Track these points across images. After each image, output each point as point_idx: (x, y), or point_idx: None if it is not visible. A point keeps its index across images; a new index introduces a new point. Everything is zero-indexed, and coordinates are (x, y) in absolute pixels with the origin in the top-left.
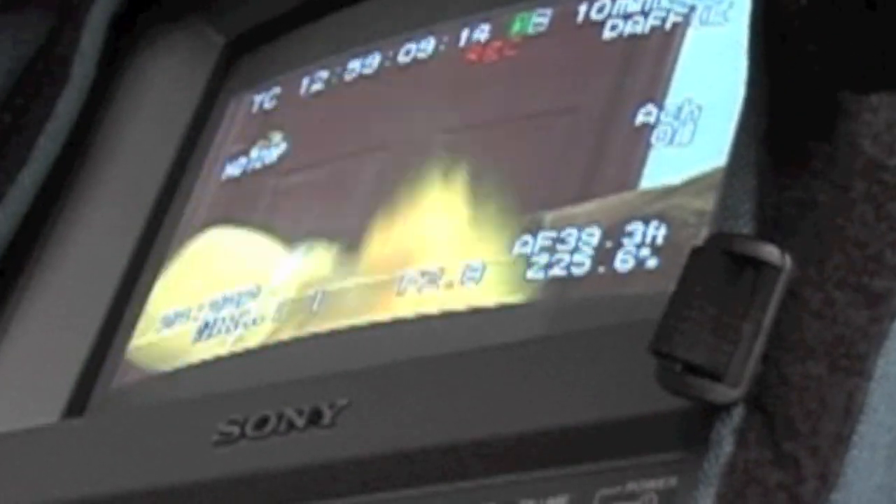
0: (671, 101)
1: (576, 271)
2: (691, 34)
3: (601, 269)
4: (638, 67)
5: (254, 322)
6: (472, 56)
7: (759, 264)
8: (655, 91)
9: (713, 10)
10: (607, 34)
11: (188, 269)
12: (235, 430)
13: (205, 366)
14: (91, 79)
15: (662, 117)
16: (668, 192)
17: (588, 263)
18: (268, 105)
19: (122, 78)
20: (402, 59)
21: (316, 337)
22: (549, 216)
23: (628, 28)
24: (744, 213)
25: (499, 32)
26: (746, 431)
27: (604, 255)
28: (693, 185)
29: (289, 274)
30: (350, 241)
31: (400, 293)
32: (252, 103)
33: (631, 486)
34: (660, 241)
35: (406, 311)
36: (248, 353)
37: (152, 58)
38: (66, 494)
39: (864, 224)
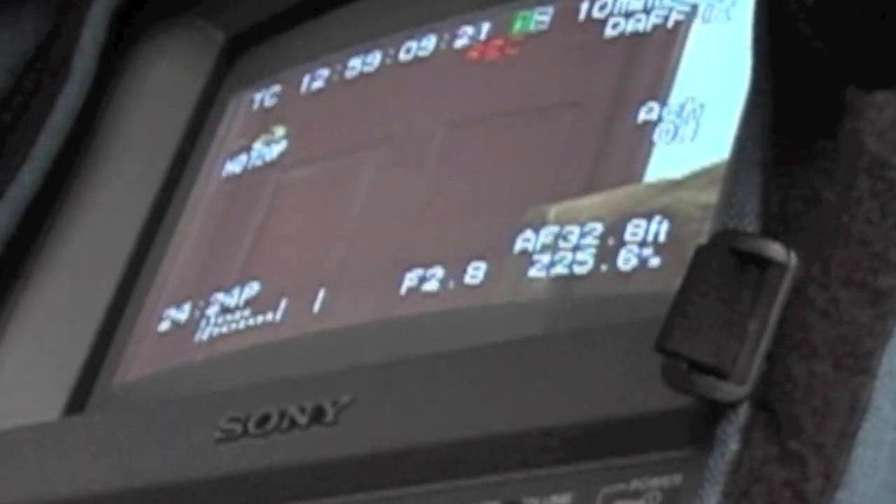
0: (674, 99)
1: (578, 270)
2: (694, 32)
3: (604, 268)
4: (640, 65)
5: (256, 319)
6: (474, 54)
7: (764, 262)
8: (658, 89)
9: (716, 8)
10: (609, 32)
11: (190, 265)
12: (237, 427)
13: (206, 363)
14: (91, 75)
15: (665, 115)
16: (672, 186)
17: (590, 262)
18: (268, 102)
19: (123, 75)
20: (403, 57)
21: (318, 334)
22: (550, 214)
23: (630, 26)
24: (749, 210)
25: (500, 31)
26: (752, 429)
27: (606, 254)
28: (697, 180)
29: (291, 271)
30: (351, 237)
31: (402, 290)
32: (253, 101)
33: (635, 483)
34: (662, 238)
35: (408, 308)
36: (251, 350)
37: (153, 55)
38: (67, 492)
39: (870, 222)
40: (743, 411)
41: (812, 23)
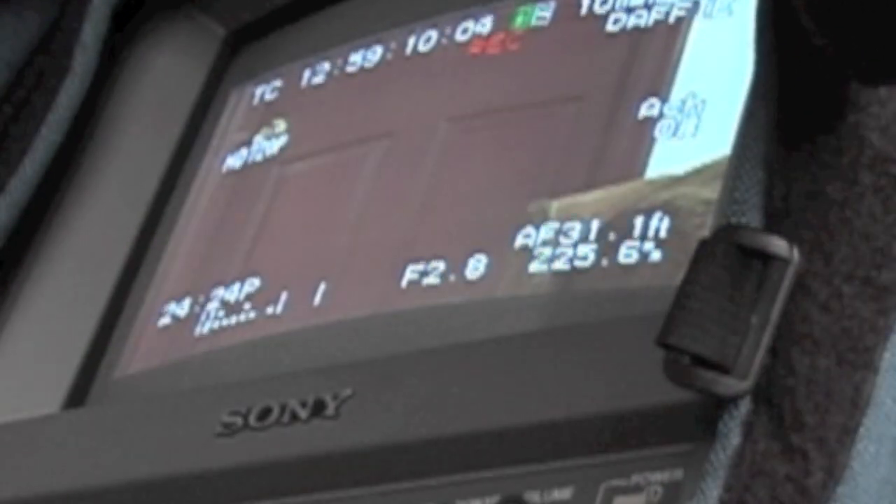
0: (675, 94)
1: (579, 264)
2: (695, 27)
3: (605, 262)
4: (641, 61)
5: (256, 313)
6: (475, 49)
7: (767, 257)
8: (659, 84)
9: (717, 4)
10: (610, 27)
11: (190, 259)
12: (238, 420)
13: (207, 356)
14: (92, 70)
15: (666, 111)
16: (674, 181)
17: (592, 256)
18: (269, 97)
19: (124, 69)
20: (404, 51)
21: (319, 328)
22: (552, 209)
23: (632, 21)
24: (752, 205)
25: (501, 25)
26: (754, 424)
27: (608, 248)
28: (699, 175)
29: (291, 264)
30: (352, 231)
31: (403, 284)
32: (253, 95)
33: (636, 478)
34: (663, 233)
35: (409, 302)
36: (251, 344)
37: (153, 49)
38: (67, 485)
39: (872, 217)
40: (745, 406)
41: (815, 18)
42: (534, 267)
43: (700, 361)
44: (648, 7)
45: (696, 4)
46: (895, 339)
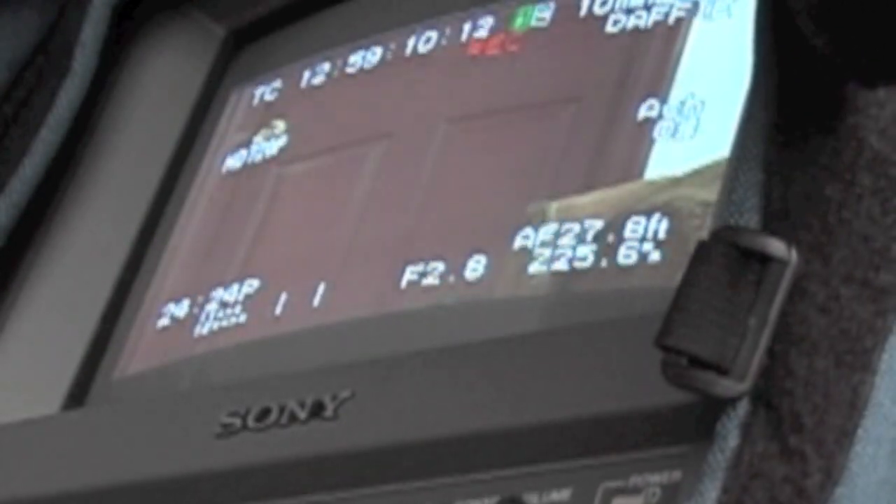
0: (674, 95)
1: (578, 265)
2: (695, 29)
3: (604, 263)
4: (641, 62)
5: (255, 313)
6: (475, 50)
7: (765, 258)
8: (658, 86)
9: (717, 5)
10: (610, 28)
11: (189, 259)
12: (237, 421)
13: (206, 357)
14: (92, 70)
15: (665, 112)
16: (672, 183)
17: (591, 258)
18: (269, 97)
19: (124, 69)
20: (403, 52)
21: (318, 329)
22: (551, 210)
23: (631, 22)
24: (750, 206)
25: (501, 26)
26: (752, 425)
27: (606, 250)
28: (697, 177)
29: (290, 265)
30: (352, 232)
31: (402, 285)
32: (253, 95)
33: (635, 479)
34: (662, 234)
35: (408, 303)
36: (250, 345)
37: (153, 49)
38: (67, 486)
39: (871, 218)
40: (743, 407)
41: (813, 20)
42: (533, 268)
43: (698, 363)
44: (648, 8)
45: (695, 6)
46: (893, 341)
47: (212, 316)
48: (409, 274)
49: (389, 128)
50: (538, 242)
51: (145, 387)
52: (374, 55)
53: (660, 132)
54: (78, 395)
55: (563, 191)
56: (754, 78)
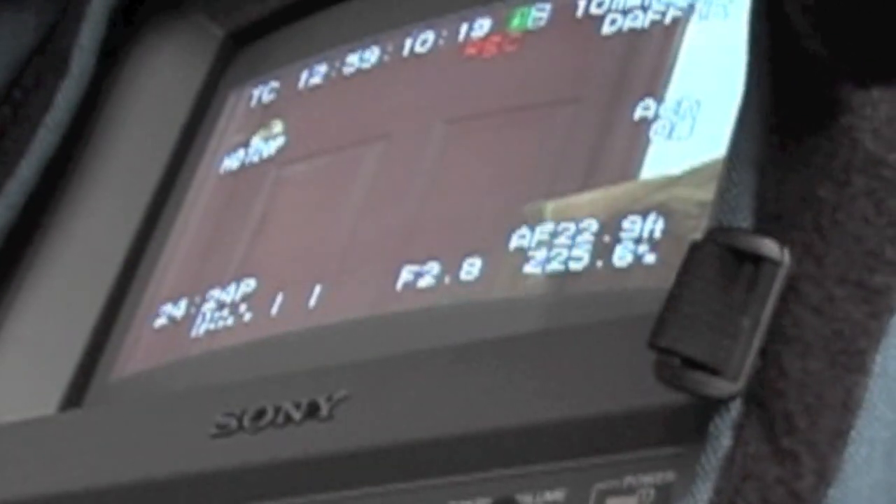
0: (670, 96)
1: (574, 266)
2: (691, 29)
3: (599, 264)
4: (637, 62)
5: (252, 314)
6: (471, 51)
7: (758, 259)
8: (655, 86)
9: (713, 6)
10: (606, 29)
11: (186, 260)
12: (232, 422)
13: (202, 358)
14: (90, 71)
15: (661, 112)
16: (668, 183)
17: (586, 258)
18: (266, 98)
19: (122, 70)
20: (400, 53)
21: (314, 329)
22: (547, 210)
23: (628, 23)
24: (743, 207)
25: (498, 27)
26: (745, 426)
27: (602, 250)
28: (693, 177)
29: (287, 266)
30: (348, 233)
31: (398, 286)
32: (251, 96)
33: (628, 480)
34: (658, 235)
35: (404, 303)
36: (246, 346)
37: (151, 50)
38: (64, 486)
39: (864, 219)
40: (736, 408)
41: (808, 20)
42: (528, 268)
43: (691, 363)
44: (644, 9)
45: (691, 6)
46: (887, 343)
47: (208, 316)
48: (405, 275)
49: (386, 128)
50: (534, 243)
51: (142, 387)
52: (372, 56)
53: (656, 132)
54: (75, 396)
55: (559, 191)
56: (748, 79)
